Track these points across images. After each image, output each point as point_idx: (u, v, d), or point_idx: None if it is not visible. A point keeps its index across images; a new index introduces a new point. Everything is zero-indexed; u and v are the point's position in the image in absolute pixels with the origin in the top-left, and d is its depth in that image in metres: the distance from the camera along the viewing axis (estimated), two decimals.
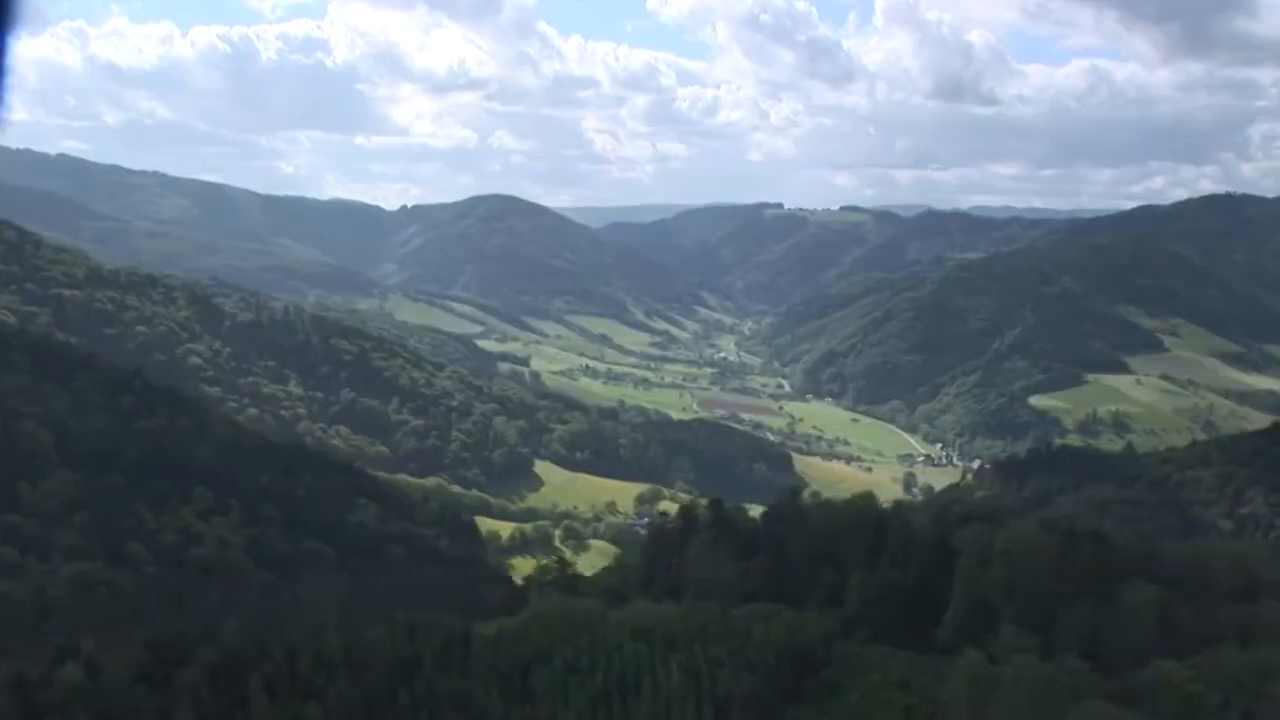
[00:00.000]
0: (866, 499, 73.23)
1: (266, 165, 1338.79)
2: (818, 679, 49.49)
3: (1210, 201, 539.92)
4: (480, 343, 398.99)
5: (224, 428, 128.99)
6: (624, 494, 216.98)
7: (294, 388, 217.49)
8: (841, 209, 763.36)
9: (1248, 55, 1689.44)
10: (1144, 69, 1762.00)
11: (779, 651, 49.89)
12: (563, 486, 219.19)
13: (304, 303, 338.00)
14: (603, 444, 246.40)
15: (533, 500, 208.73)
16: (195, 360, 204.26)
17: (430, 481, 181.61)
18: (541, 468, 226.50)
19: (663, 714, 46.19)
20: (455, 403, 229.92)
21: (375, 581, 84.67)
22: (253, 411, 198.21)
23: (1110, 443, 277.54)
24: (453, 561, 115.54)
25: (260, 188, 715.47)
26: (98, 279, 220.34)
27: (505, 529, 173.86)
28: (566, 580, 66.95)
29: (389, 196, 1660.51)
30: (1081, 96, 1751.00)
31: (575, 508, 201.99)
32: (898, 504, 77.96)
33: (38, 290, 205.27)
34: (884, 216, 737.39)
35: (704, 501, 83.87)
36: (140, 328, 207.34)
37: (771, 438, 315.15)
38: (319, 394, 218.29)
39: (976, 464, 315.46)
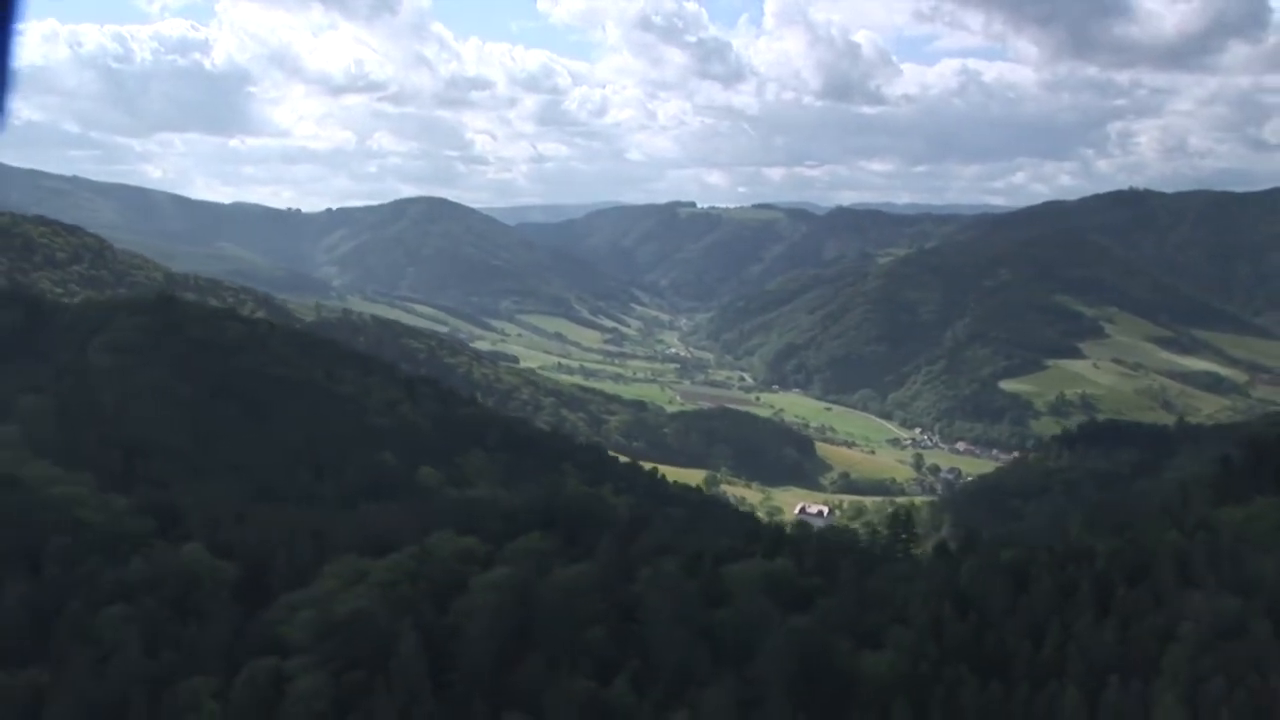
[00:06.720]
0: None
1: (132, 169, 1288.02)
2: None
3: (1116, 197, 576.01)
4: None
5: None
6: (689, 479, 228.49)
7: None
8: (755, 206, 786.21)
9: (1126, 57, 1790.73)
10: (1014, 69, 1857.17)
11: None
12: None
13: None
14: (651, 433, 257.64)
15: None
16: None
17: None
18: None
19: None
20: (525, 396, 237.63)
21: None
22: None
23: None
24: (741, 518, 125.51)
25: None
26: (174, 282, 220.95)
27: None
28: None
29: (261, 199, 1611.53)
30: (958, 94, 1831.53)
31: None
32: None
33: (130, 294, 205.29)
34: (797, 214, 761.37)
35: None
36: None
37: None
38: None
39: (961, 445, 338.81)
